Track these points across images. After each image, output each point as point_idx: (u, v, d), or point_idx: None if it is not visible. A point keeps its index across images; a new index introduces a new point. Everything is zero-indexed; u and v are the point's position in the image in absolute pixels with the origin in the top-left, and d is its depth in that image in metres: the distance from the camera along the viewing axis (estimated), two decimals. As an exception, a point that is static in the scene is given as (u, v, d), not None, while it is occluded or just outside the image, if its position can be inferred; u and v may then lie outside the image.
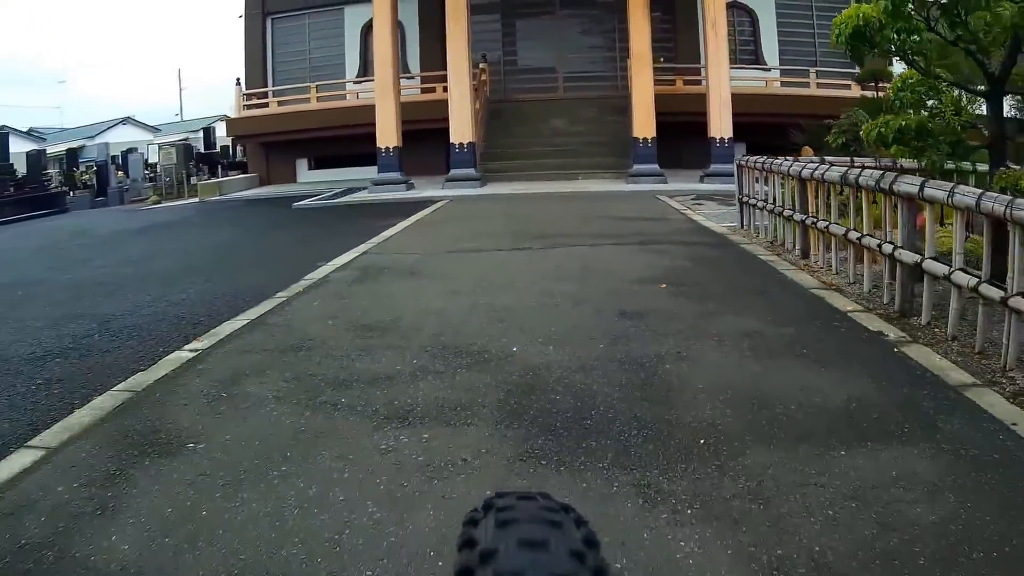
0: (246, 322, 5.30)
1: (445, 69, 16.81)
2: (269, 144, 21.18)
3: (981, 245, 4.07)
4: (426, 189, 16.03)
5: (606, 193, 14.28)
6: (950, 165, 5.77)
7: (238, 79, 20.68)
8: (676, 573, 2.16)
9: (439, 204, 13.47)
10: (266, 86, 21.29)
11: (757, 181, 8.47)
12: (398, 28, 17.25)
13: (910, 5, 4.67)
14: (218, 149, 29.18)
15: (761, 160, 8.10)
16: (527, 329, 4.74)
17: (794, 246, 7.23)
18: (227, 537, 2.43)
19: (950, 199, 4.24)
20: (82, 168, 28.03)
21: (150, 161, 28.39)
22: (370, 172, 17.42)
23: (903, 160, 6.41)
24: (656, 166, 15.41)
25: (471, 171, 16.22)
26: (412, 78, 19.60)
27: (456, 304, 5.50)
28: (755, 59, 20.27)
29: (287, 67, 21.87)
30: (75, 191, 23.57)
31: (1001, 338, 3.85)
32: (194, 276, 7.73)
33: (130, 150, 29.82)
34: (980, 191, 4.06)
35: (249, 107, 20.69)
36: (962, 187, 4.27)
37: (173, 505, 2.66)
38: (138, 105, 60.62)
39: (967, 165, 6.08)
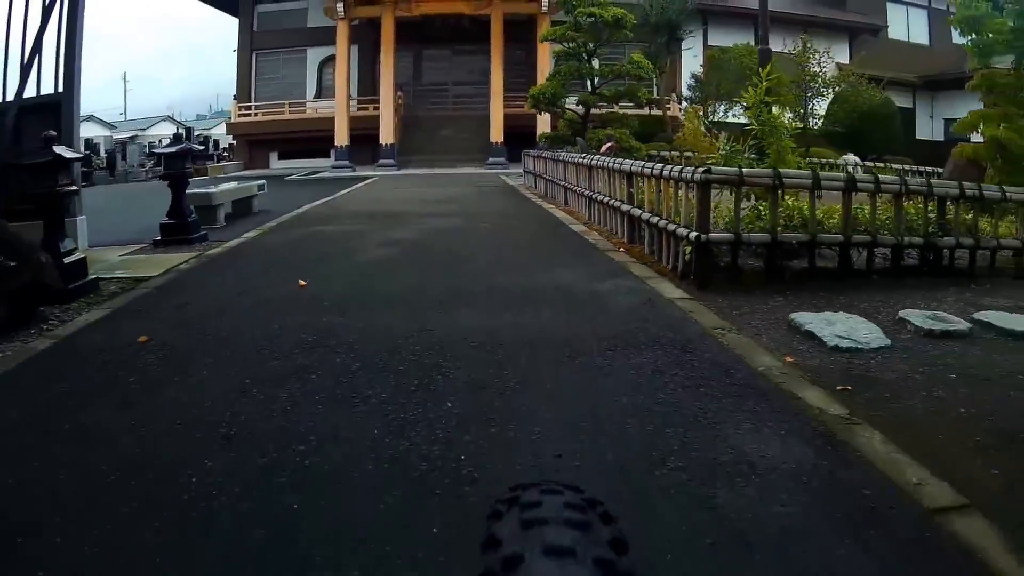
0: (330, 198, 15.64)
1: (376, 95, 27.20)
2: (252, 141, 30.91)
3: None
4: (364, 171, 26.23)
5: (471, 173, 24.92)
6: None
7: (235, 95, 30.40)
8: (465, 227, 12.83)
9: (375, 178, 23.80)
10: (251, 100, 31.00)
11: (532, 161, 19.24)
12: (348, 68, 27.50)
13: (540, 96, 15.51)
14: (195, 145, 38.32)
15: (527, 150, 18.92)
16: (421, 197, 15.35)
17: (533, 185, 18.01)
18: (376, 196, 12.92)
19: (553, 156, 15.00)
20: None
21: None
22: (320, 162, 27.62)
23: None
24: (503, 159, 26.26)
25: (392, 161, 26.67)
26: (353, 99, 29.77)
27: (396, 195, 16.09)
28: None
29: (266, 87, 31.66)
30: (94, 171, 32.32)
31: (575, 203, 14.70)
32: (292, 197, 17.82)
33: (128, 141, 38.61)
34: (560, 152, 14.82)
35: (240, 115, 30.38)
36: (560, 152, 15.09)
37: (358, 199, 13.12)
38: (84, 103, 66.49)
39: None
